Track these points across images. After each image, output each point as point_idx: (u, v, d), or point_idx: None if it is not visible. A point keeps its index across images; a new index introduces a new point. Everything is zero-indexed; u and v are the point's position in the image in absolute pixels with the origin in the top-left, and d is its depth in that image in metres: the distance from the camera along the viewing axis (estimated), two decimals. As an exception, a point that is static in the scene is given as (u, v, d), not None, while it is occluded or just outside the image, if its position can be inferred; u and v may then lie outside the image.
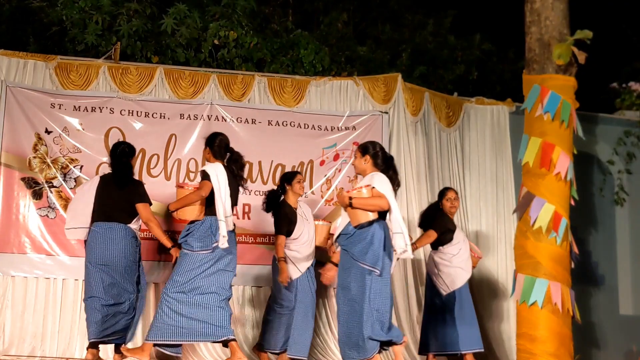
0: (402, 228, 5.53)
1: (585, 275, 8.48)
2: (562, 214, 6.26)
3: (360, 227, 5.51)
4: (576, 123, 6.50)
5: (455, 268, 7.02)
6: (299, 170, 7.85)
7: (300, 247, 6.79)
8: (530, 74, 6.45)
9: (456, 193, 7.32)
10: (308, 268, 6.83)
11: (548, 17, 6.34)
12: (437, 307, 7.00)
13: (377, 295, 5.43)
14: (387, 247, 5.53)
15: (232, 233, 5.99)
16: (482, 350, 7.06)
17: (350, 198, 5.53)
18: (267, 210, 6.88)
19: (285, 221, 6.73)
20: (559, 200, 6.35)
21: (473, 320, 7.01)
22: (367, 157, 5.71)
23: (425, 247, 7.41)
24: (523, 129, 6.36)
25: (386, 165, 5.74)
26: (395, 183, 5.70)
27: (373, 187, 5.54)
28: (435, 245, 7.11)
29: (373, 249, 5.43)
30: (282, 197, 6.90)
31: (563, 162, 6.24)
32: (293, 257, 6.76)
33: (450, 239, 7.09)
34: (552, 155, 6.32)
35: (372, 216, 5.53)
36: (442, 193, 7.31)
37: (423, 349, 7.12)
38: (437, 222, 7.11)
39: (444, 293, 6.98)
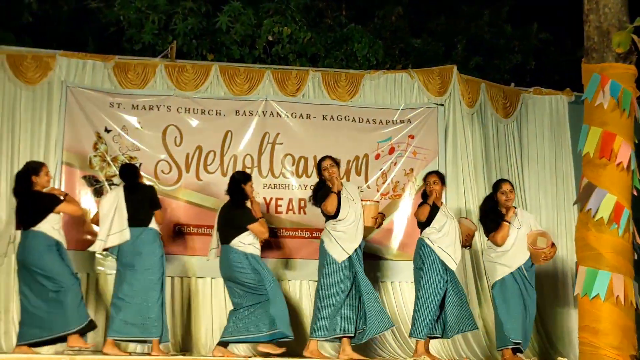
0: None
1: (649, 267, 8.28)
2: (624, 204, 6.13)
3: None
4: (637, 112, 6.35)
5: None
6: (354, 164, 7.87)
7: (347, 227, 6.62)
8: (590, 62, 6.32)
9: (511, 185, 7.07)
10: (355, 249, 6.63)
11: (607, 4, 6.21)
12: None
13: None
14: None
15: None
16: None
17: None
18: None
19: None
20: (620, 190, 6.22)
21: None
22: None
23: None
24: (583, 119, 6.24)
25: None
26: None
27: None
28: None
29: None
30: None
31: (625, 152, 6.11)
32: (339, 237, 6.60)
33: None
34: (613, 145, 6.18)
35: None
36: (497, 185, 7.13)
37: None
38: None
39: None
